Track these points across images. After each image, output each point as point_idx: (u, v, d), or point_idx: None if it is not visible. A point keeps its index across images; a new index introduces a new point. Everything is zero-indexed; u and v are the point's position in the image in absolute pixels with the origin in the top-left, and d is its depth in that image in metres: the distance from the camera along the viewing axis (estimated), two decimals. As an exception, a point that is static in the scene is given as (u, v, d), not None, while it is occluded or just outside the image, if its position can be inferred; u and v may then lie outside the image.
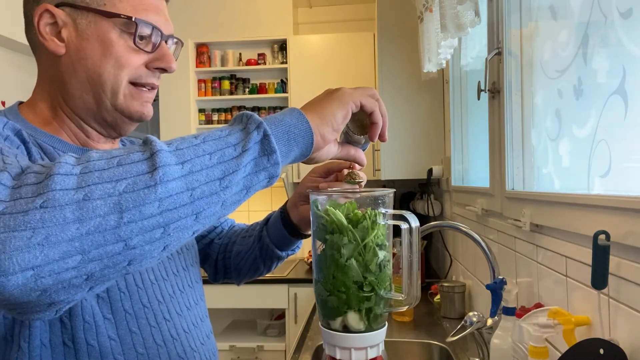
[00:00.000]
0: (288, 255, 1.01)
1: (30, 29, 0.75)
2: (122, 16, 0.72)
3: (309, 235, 0.92)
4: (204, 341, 0.86)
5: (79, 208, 0.46)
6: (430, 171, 2.49)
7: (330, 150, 0.72)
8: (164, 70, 0.79)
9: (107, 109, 0.75)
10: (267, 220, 1.00)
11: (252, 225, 1.03)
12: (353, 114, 0.68)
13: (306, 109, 0.64)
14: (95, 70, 0.73)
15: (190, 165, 0.51)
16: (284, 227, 0.96)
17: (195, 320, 0.85)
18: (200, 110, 3.59)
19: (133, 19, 0.73)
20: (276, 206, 3.69)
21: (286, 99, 3.45)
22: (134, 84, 0.76)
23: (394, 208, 0.77)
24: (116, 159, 0.50)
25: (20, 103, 0.80)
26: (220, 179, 0.53)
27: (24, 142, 0.68)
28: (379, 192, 0.77)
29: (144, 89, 0.78)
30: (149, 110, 0.79)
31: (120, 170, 0.49)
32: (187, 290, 0.86)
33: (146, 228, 0.48)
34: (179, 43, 0.85)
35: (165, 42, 0.79)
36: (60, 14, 0.72)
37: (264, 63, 3.50)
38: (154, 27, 0.75)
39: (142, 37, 0.75)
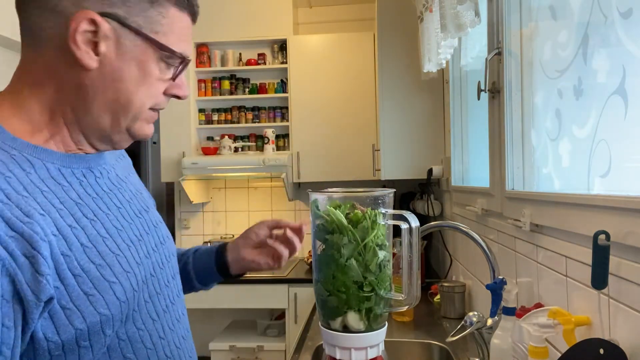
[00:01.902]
0: (199, 290, 1.04)
1: (47, 17, 0.67)
2: (177, 54, 0.71)
3: (232, 277, 1.02)
4: (180, 344, 0.82)
5: None
6: (430, 171, 2.49)
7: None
8: (178, 97, 0.77)
9: (120, 130, 0.72)
10: (197, 248, 1.05)
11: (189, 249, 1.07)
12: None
13: None
14: (127, 95, 0.69)
15: None
16: (215, 260, 1.01)
17: (183, 333, 0.83)
18: (200, 110, 3.59)
19: (183, 58, 0.72)
20: (276, 206, 3.70)
21: (286, 99, 3.46)
22: (152, 109, 0.74)
23: (394, 208, 0.77)
24: None
25: None
26: None
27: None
28: (379, 192, 0.77)
29: (154, 112, 0.76)
30: (152, 131, 0.77)
31: None
32: (177, 302, 0.83)
33: None
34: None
35: None
36: (104, 26, 0.66)
37: (264, 63, 3.50)
38: (187, 62, 0.74)
39: (169, 66, 0.73)
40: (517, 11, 1.35)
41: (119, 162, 0.86)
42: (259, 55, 3.50)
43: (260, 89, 3.54)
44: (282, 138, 3.53)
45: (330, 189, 0.81)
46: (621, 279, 0.80)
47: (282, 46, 3.48)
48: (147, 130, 0.75)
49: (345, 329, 0.77)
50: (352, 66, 3.32)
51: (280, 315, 3.31)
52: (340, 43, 3.34)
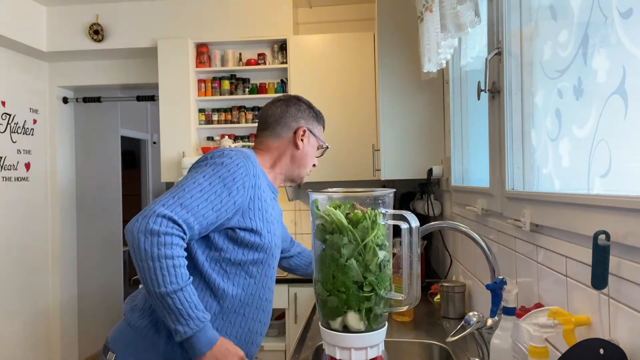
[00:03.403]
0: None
1: (283, 128, 1.50)
2: (324, 144, 1.57)
3: None
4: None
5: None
6: (430, 171, 2.48)
7: None
8: (314, 165, 1.58)
9: (298, 176, 1.55)
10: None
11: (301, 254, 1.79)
12: None
13: (213, 351, 1.24)
14: (305, 162, 1.53)
15: (174, 301, 1.20)
16: None
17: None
18: (200, 110, 3.59)
19: (326, 145, 1.58)
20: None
21: (286, 99, 3.45)
22: (309, 169, 1.56)
23: (394, 208, 0.77)
24: (172, 270, 1.20)
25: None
26: (169, 314, 1.21)
27: (255, 176, 1.36)
28: (379, 192, 0.77)
29: (309, 171, 1.57)
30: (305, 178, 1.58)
31: (165, 272, 1.19)
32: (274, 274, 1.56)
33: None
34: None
35: None
36: (307, 132, 1.51)
37: (264, 63, 3.50)
38: (327, 148, 1.59)
39: (320, 150, 1.59)
40: (517, 11, 1.35)
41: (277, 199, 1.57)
42: (259, 55, 3.50)
43: (260, 89, 3.54)
44: (282, 138, 3.52)
45: (330, 189, 0.82)
46: (621, 279, 0.80)
47: (282, 46, 3.47)
48: (305, 178, 1.58)
49: (345, 329, 0.77)
50: (352, 66, 3.32)
51: (280, 315, 3.30)
52: (340, 43, 3.34)
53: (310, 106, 1.57)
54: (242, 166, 1.31)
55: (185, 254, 1.22)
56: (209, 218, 1.24)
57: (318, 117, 1.57)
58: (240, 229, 1.32)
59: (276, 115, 1.52)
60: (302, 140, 1.50)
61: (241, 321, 1.39)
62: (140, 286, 1.37)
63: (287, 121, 1.51)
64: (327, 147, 1.58)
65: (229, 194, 1.27)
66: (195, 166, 1.34)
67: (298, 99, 1.55)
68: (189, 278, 1.21)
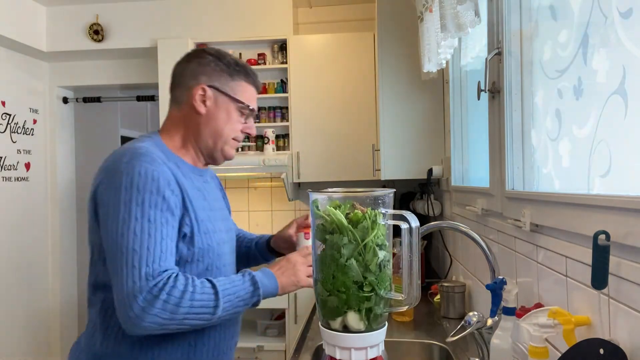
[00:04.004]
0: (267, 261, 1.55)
1: (182, 91, 1.24)
2: (245, 104, 1.26)
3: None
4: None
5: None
6: (430, 171, 2.48)
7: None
8: (248, 134, 1.31)
9: (216, 149, 1.26)
10: (256, 241, 1.57)
11: (247, 238, 1.60)
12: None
13: (281, 281, 1.19)
14: (219, 129, 1.24)
15: (227, 312, 1.10)
16: (268, 251, 1.53)
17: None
18: (200, 110, 3.59)
19: (250, 107, 1.27)
20: (276, 206, 3.70)
21: (286, 98, 3.45)
22: (234, 140, 1.28)
23: (394, 208, 0.77)
24: (202, 302, 1.07)
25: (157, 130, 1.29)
26: (233, 314, 1.13)
27: (174, 175, 1.15)
28: (379, 192, 0.77)
29: (236, 143, 1.29)
30: (233, 154, 1.31)
31: (201, 310, 1.07)
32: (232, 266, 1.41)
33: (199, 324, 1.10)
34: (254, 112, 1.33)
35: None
36: (209, 91, 1.23)
37: (264, 63, 3.50)
38: (252, 110, 1.29)
39: (245, 115, 1.28)
40: (517, 11, 1.35)
41: (212, 180, 1.37)
42: (259, 55, 3.50)
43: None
44: (282, 138, 3.53)
45: (330, 189, 0.81)
46: (621, 279, 0.80)
47: (282, 46, 3.47)
48: (231, 152, 1.30)
49: (345, 329, 0.77)
50: (352, 66, 3.32)
51: (280, 315, 3.30)
52: (340, 43, 3.34)
53: (219, 57, 1.25)
54: (157, 174, 1.09)
55: (185, 278, 1.07)
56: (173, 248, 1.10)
57: (233, 70, 1.25)
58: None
59: (176, 77, 1.27)
60: (203, 102, 1.21)
61: (209, 335, 1.22)
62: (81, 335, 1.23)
63: (185, 80, 1.24)
64: (253, 110, 1.28)
65: (172, 213, 1.10)
66: (106, 200, 1.08)
67: (203, 51, 1.26)
68: (207, 285, 1.08)
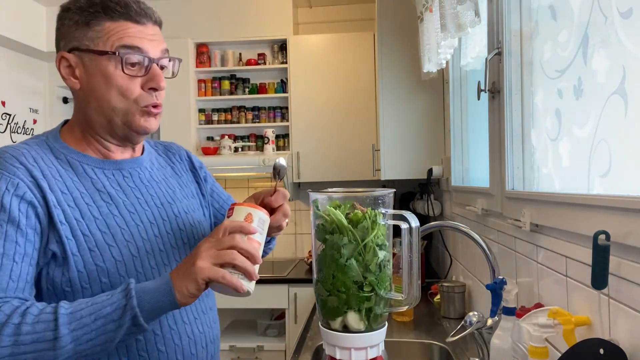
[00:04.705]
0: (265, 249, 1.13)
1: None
2: (109, 52, 0.90)
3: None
4: (203, 329, 1.02)
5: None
6: (430, 171, 2.48)
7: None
8: (154, 89, 0.94)
9: (118, 126, 0.94)
10: None
11: None
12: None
13: (174, 278, 0.82)
14: (104, 98, 0.92)
15: (81, 342, 0.78)
16: None
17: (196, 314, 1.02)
18: (200, 111, 3.59)
19: (117, 53, 0.90)
20: (276, 206, 3.69)
21: (286, 99, 3.45)
22: (137, 104, 0.93)
23: (394, 208, 0.77)
24: (34, 335, 0.77)
25: (65, 122, 1.01)
26: (101, 345, 0.79)
27: (33, 178, 0.87)
28: (379, 192, 0.77)
29: (145, 107, 0.94)
30: (152, 125, 0.96)
31: (35, 346, 0.77)
32: (195, 302, 1.01)
33: None
34: (174, 60, 1.00)
35: (157, 63, 0.95)
36: (71, 57, 0.92)
37: (264, 63, 3.50)
38: (139, 52, 0.92)
39: (132, 65, 0.92)
40: (517, 11, 1.35)
41: (161, 169, 1.08)
42: (259, 55, 3.50)
43: (260, 89, 3.54)
44: (282, 138, 3.53)
45: (330, 189, 0.81)
46: (621, 279, 0.80)
47: (282, 46, 3.47)
48: (143, 123, 0.95)
49: (345, 329, 0.77)
50: (352, 66, 3.32)
51: (280, 315, 3.30)
52: (340, 43, 3.34)
53: (68, 7, 0.93)
54: (0, 180, 0.85)
55: (14, 307, 0.79)
56: (22, 273, 0.83)
57: (87, 14, 0.90)
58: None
59: None
60: (72, 74, 0.93)
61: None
62: None
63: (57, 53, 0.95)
64: (135, 49, 0.91)
65: (15, 226, 0.83)
66: None
67: (63, 9, 0.94)
68: (48, 310, 0.79)
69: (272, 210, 0.96)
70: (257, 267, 0.83)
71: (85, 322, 0.78)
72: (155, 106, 0.95)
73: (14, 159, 0.87)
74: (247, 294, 0.83)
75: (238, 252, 0.80)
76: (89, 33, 0.90)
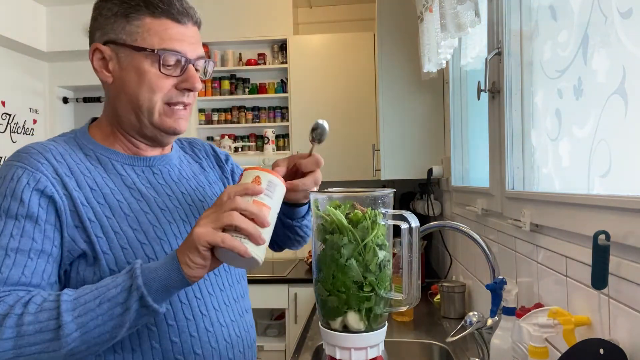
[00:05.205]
0: (300, 224, 1.07)
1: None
2: (148, 49, 0.87)
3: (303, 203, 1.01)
4: (235, 318, 0.98)
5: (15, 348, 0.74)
6: (430, 171, 2.48)
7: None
8: (189, 90, 0.92)
9: (146, 125, 0.92)
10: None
11: None
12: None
13: (178, 252, 0.77)
14: (134, 95, 0.89)
15: (87, 329, 0.74)
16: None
17: (227, 301, 0.98)
18: (200, 111, 3.59)
19: (156, 52, 0.87)
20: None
21: (286, 99, 3.45)
22: (167, 104, 0.91)
23: (394, 208, 0.77)
24: (37, 325, 0.74)
25: (93, 120, 1.00)
26: (109, 332, 0.76)
27: (58, 175, 0.86)
28: (379, 192, 0.77)
29: (176, 107, 0.92)
30: (181, 125, 0.94)
31: (39, 337, 0.74)
32: (231, 304, 0.98)
33: None
34: (208, 61, 0.97)
35: (193, 64, 0.91)
36: (106, 50, 0.90)
37: (264, 63, 3.50)
38: (178, 55, 0.89)
39: (169, 65, 0.89)
40: (517, 11, 1.35)
41: (189, 166, 1.06)
42: (259, 55, 3.50)
43: (260, 89, 3.54)
44: (282, 138, 3.53)
45: (330, 189, 0.81)
46: (621, 279, 0.80)
47: (282, 46, 3.48)
48: (170, 122, 0.92)
49: (345, 329, 0.77)
50: (352, 66, 3.32)
51: (280, 315, 3.30)
52: (340, 43, 3.34)
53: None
54: (21, 172, 0.83)
55: (17, 297, 0.76)
56: (38, 267, 0.81)
57: (127, 7, 0.88)
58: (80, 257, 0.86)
59: None
60: (105, 67, 0.90)
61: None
62: None
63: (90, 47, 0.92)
64: (174, 53, 0.88)
65: (34, 222, 0.81)
66: None
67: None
68: (51, 299, 0.76)
69: (302, 175, 0.91)
70: (266, 231, 0.77)
71: (90, 307, 0.74)
72: (185, 106, 0.93)
73: (40, 155, 0.86)
74: (256, 263, 0.76)
75: (241, 213, 0.74)
76: (127, 27, 0.88)
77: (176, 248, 0.82)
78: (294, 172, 0.92)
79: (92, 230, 0.84)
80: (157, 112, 0.90)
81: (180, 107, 0.92)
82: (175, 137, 0.98)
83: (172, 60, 0.89)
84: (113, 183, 0.90)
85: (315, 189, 0.92)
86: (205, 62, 0.95)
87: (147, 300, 0.74)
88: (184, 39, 0.90)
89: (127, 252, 0.86)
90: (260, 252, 0.76)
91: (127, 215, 0.88)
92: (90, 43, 0.92)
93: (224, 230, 0.74)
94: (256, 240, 0.75)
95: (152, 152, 0.98)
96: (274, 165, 0.92)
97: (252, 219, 0.75)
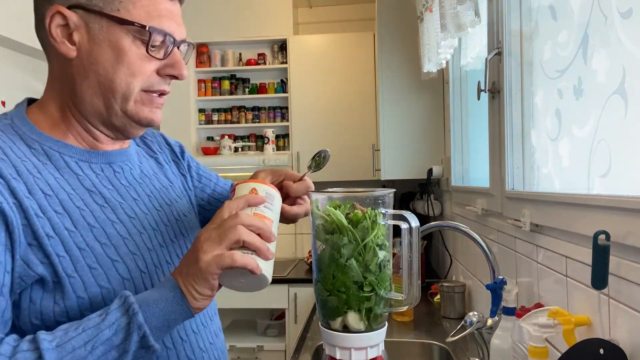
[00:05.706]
0: None
1: (42, 28, 0.74)
2: (136, 24, 0.72)
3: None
4: (213, 340, 0.88)
5: None
6: (430, 171, 2.49)
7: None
8: (175, 77, 0.79)
9: (116, 114, 0.76)
10: None
11: None
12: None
13: (180, 281, 0.67)
14: (107, 77, 0.73)
15: None
16: None
17: (204, 321, 0.88)
18: (200, 111, 3.59)
19: (147, 28, 0.72)
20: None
21: (286, 99, 3.45)
22: (145, 90, 0.76)
23: (394, 208, 0.77)
24: None
25: (31, 101, 0.81)
26: None
27: (3, 177, 0.67)
28: (379, 192, 0.77)
29: (155, 95, 0.78)
30: (158, 116, 0.80)
31: None
32: (208, 324, 0.89)
33: None
34: (191, 46, 0.83)
35: (178, 47, 0.79)
36: (72, 16, 0.71)
37: (264, 63, 3.50)
38: (167, 35, 0.75)
39: (154, 45, 0.75)
40: (517, 11, 1.35)
41: (147, 163, 0.91)
42: (259, 55, 3.50)
43: (260, 89, 3.54)
44: (282, 138, 3.53)
45: (330, 189, 0.81)
46: (621, 279, 0.80)
47: (282, 46, 3.48)
48: (146, 112, 0.77)
49: (345, 329, 0.77)
50: (352, 66, 3.32)
51: (280, 315, 3.30)
52: (340, 43, 3.34)
53: None
54: None
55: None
56: None
57: None
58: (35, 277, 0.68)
59: (34, 10, 0.77)
60: (68, 37, 0.72)
61: None
62: None
63: (38, 9, 0.75)
64: (168, 37, 0.75)
65: None
66: None
67: None
68: (25, 347, 0.60)
69: (287, 196, 0.85)
70: (272, 245, 0.71)
71: (80, 354, 0.60)
72: (163, 95, 0.80)
73: None
74: (265, 281, 0.71)
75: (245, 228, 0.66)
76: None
77: (155, 265, 0.75)
78: (279, 189, 0.82)
79: (51, 247, 0.67)
80: (132, 100, 0.75)
81: (158, 95, 0.79)
82: (144, 129, 0.82)
83: (159, 38, 0.74)
84: (69, 185, 0.73)
85: (303, 215, 0.89)
86: (187, 46, 0.82)
87: (149, 340, 0.63)
88: (172, 18, 0.76)
89: (96, 272, 0.70)
90: (269, 268, 0.72)
91: (92, 226, 0.72)
92: (45, 3, 0.72)
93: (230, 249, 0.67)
94: (265, 255, 0.68)
95: (112, 145, 0.82)
96: (254, 176, 0.84)
97: (258, 233, 0.68)
